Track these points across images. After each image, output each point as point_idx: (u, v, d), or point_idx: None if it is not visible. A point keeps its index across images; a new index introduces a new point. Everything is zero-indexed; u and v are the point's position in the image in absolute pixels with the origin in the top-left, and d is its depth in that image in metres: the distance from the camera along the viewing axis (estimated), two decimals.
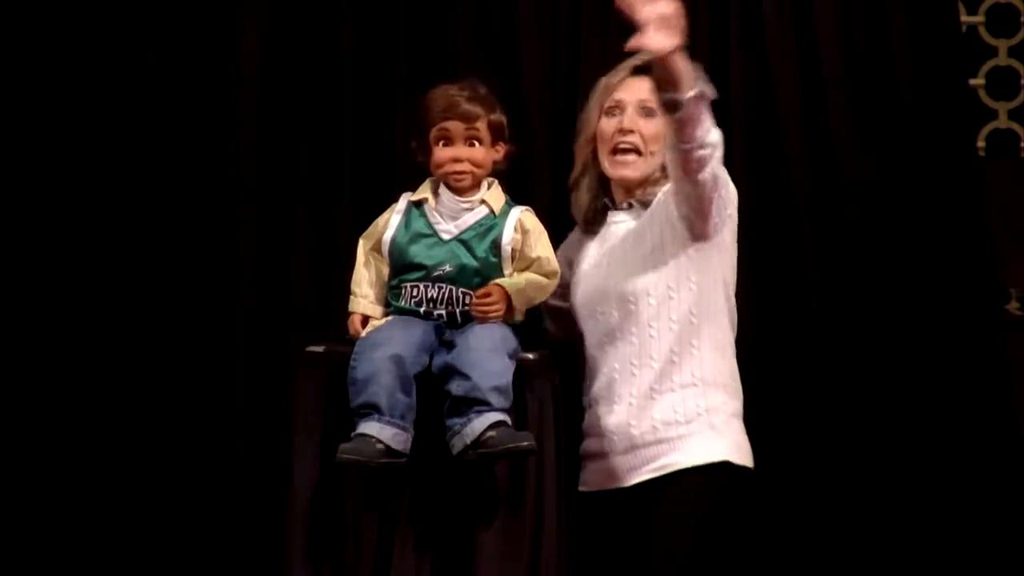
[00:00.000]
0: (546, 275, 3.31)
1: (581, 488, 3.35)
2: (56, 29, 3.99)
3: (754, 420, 3.42)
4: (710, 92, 3.07)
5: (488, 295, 3.23)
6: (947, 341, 3.90)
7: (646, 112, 3.35)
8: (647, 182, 3.37)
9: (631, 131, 3.35)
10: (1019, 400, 3.94)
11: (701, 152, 3.10)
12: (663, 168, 3.31)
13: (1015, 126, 4.38)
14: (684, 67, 3.03)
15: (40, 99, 3.98)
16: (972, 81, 4.22)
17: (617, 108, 3.37)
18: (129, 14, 3.99)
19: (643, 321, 3.28)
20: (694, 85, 3.04)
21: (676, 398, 3.26)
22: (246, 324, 3.95)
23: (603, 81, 3.41)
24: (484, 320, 3.22)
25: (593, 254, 3.42)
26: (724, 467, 3.25)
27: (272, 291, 3.96)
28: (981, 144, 4.31)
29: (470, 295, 3.27)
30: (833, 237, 3.93)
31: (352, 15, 3.99)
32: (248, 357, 3.94)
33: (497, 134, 3.33)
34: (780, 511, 3.82)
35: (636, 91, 3.37)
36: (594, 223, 3.44)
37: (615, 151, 3.36)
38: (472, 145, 3.30)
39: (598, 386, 3.33)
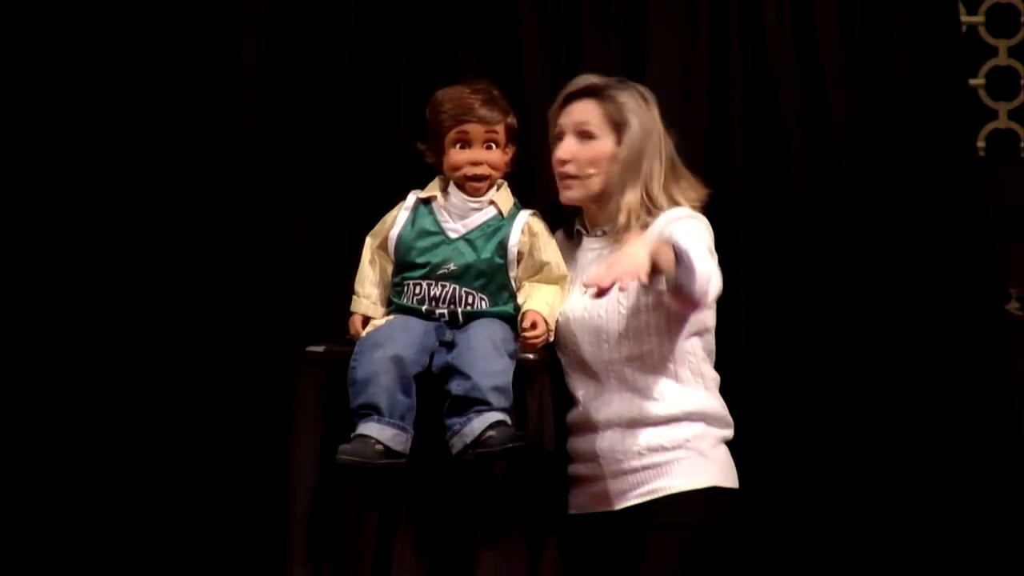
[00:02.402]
0: (557, 281, 3.33)
1: (571, 511, 3.33)
2: (57, 29, 3.99)
3: (754, 420, 3.42)
4: (689, 271, 3.02)
5: (535, 326, 3.24)
6: (947, 341, 3.90)
7: (582, 135, 3.32)
8: (604, 204, 3.34)
9: (566, 160, 3.32)
10: (1019, 400, 3.94)
11: (698, 295, 3.08)
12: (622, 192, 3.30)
13: (1015, 126, 4.37)
14: (664, 262, 3.02)
15: (40, 100, 3.98)
16: (972, 81, 4.22)
17: (559, 136, 3.35)
18: (130, 14, 3.99)
19: (619, 358, 3.26)
20: (670, 274, 3.04)
21: (662, 428, 3.25)
22: (247, 324, 3.95)
23: (550, 111, 3.39)
24: (534, 350, 3.25)
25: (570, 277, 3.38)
26: (712, 492, 3.25)
27: (273, 291, 3.96)
28: (981, 144, 4.30)
29: (473, 295, 3.28)
30: (833, 237, 3.92)
31: (352, 15, 3.98)
32: (248, 357, 3.93)
33: (511, 137, 3.35)
34: (779, 511, 3.82)
35: (572, 115, 3.34)
36: (569, 247, 3.41)
37: (558, 178, 3.36)
38: (489, 148, 3.31)
39: (580, 412, 3.31)
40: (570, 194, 3.35)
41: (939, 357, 3.89)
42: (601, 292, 2.96)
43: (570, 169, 3.32)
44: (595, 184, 3.32)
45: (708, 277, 3.08)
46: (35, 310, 3.97)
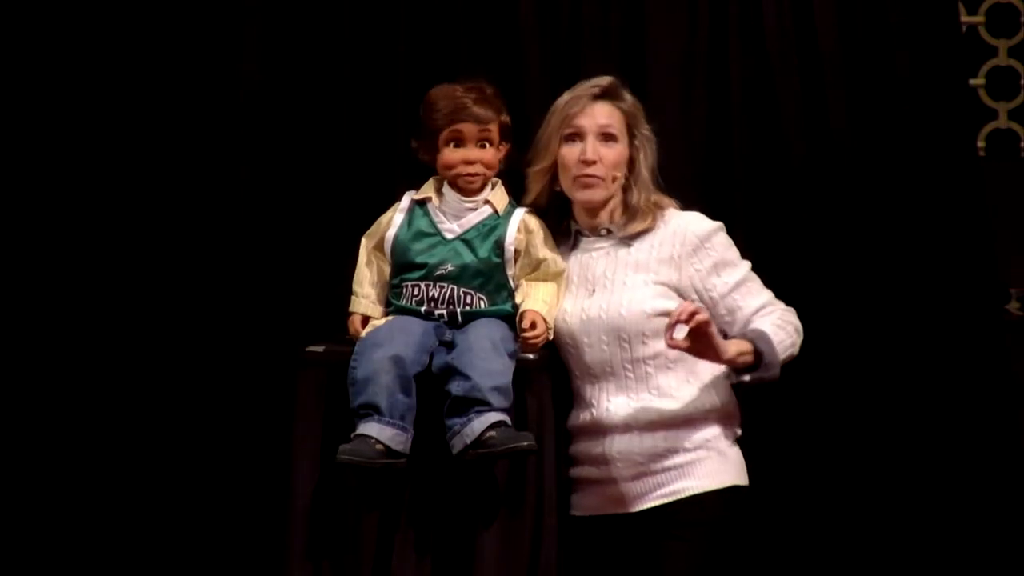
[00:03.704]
0: (555, 277, 3.33)
1: (576, 512, 3.33)
2: (57, 29, 3.99)
3: (753, 420, 3.42)
4: (768, 360, 3.22)
5: (534, 325, 3.24)
6: (947, 341, 3.90)
7: (606, 138, 3.33)
8: (615, 208, 3.36)
9: (594, 161, 3.32)
10: (1020, 400, 3.93)
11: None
12: (639, 196, 3.34)
13: (1015, 126, 4.38)
14: (738, 353, 3.20)
15: (41, 100, 3.98)
16: (972, 81, 4.22)
17: (577, 136, 3.34)
18: (130, 14, 3.99)
19: (639, 358, 3.27)
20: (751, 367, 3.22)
21: (681, 428, 3.26)
22: (246, 324, 3.95)
23: (560, 107, 3.37)
24: (533, 350, 3.25)
25: (572, 279, 3.37)
26: (732, 491, 3.27)
27: (272, 291, 3.96)
28: (981, 144, 4.31)
29: (471, 294, 3.28)
30: (833, 238, 3.92)
31: (352, 15, 3.99)
32: (248, 357, 3.93)
33: (504, 135, 3.35)
34: (779, 512, 3.83)
35: (596, 116, 3.34)
36: (562, 246, 3.41)
37: (578, 179, 3.34)
38: (483, 147, 3.31)
39: (589, 414, 3.31)
40: (591, 194, 3.34)
41: (939, 357, 3.89)
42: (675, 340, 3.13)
43: (598, 171, 3.32)
44: (616, 187, 3.34)
45: (790, 356, 3.29)
46: (36, 310, 3.97)
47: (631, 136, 3.36)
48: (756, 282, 3.35)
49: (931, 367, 3.89)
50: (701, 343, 3.14)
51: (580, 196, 3.36)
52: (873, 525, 3.86)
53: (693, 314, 3.10)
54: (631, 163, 3.36)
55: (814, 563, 3.87)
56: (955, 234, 3.91)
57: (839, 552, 3.86)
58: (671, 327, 3.12)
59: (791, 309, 3.34)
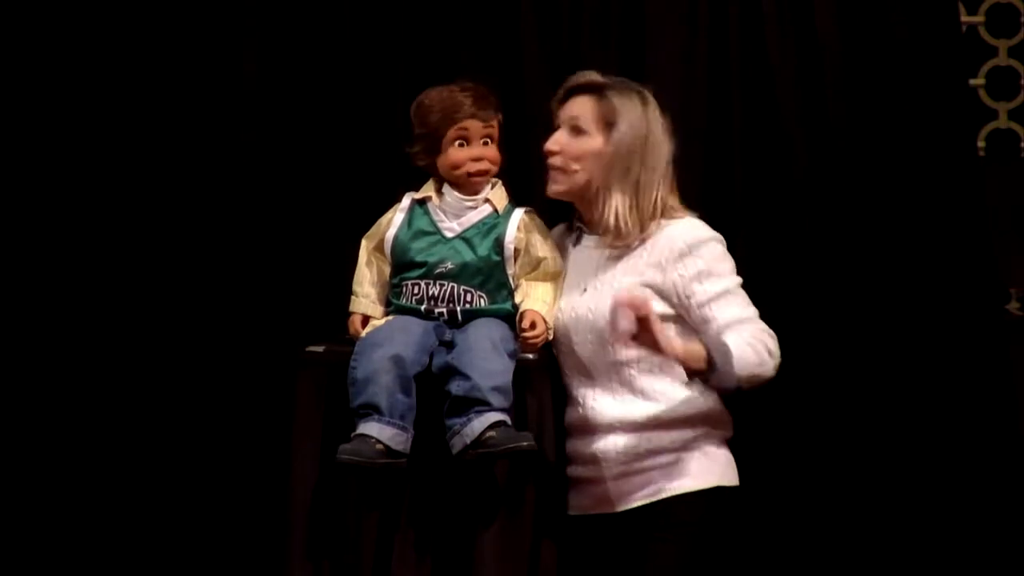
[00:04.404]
0: (554, 276, 3.33)
1: (571, 512, 3.33)
2: (58, 29, 4.00)
3: (752, 420, 3.42)
4: (721, 369, 3.12)
5: (534, 325, 3.25)
6: (948, 341, 3.90)
7: (575, 130, 3.33)
8: (591, 205, 3.33)
9: (553, 152, 3.33)
10: (1020, 400, 3.94)
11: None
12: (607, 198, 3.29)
13: (1015, 126, 4.37)
14: (687, 354, 3.11)
15: (41, 99, 3.98)
16: (972, 81, 4.22)
17: (555, 128, 3.36)
18: (131, 14, 3.99)
19: (622, 361, 3.25)
20: (703, 371, 3.13)
21: (665, 430, 3.25)
22: (246, 324, 3.95)
23: (552, 103, 3.40)
24: (533, 350, 3.25)
25: (569, 275, 3.37)
26: (716, 492, 3.27)
27: (272, 291, 3.96)
28: (981, 144, 4.30)
29: (471, 293, 3.28)
30: (833, 237, 3.92)
31: (352, 16, 3.99)
32: (248, 357, 3.93)
33: (501, 133, 3.36)
34: (777, 512, 3.83)
35: (569, 109, 3.35)
36: (568, 243, 3.41)
37: (547, 170, 3.36)
38: (486, 143, 3.33)
39: (579, 414, 3.31)
40: (555, 187, 3.36)
41: (939, 357, 3.89)
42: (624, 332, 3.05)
43: (556, 161, 3.34)
44: (579, 180, 3.33)
45: (754, 376, 3.18)
46: (36, 310, 3.97)
47: (607, 132, 3.31)
48: (740, 297, 3.27)
49: (931, 367, 3.89)
50: (646, 336, 3.07)
51: (547, 190, 3.38)
52: (872, 525, 3.86)
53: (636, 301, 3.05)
54: (599, 158, 3.30)
55: (812, 564, 3.86)
56: (955, 234, 3.91)
57: (838, 553, 3.86)
58: (613, 314, 3.06)
59: (772, 333, 3.25)
